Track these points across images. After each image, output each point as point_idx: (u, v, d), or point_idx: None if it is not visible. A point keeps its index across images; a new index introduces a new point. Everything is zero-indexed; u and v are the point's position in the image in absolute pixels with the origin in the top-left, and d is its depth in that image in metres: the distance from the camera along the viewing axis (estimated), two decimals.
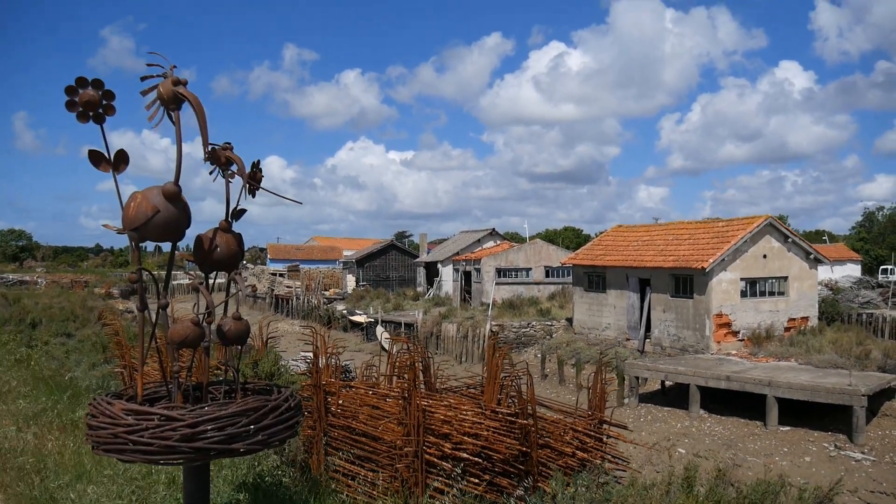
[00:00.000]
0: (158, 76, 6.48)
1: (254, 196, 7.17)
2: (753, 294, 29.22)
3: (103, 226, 7.21)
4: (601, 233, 39.57)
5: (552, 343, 34.86)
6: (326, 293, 62.91)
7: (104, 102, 6.77)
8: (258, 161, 7.31)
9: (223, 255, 6.56)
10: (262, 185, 7.20)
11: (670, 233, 33.13)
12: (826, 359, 24.69)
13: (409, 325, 44.02)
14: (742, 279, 28.84)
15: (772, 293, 29.67)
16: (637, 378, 25.83)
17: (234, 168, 7.04)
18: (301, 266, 79.40)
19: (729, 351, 27.97)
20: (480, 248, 55.43)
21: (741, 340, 28.53)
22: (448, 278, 54.84)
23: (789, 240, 29.81)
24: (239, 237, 6.79)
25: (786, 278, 29.76)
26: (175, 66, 6.42)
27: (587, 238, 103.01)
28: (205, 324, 6.02)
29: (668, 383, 26.33)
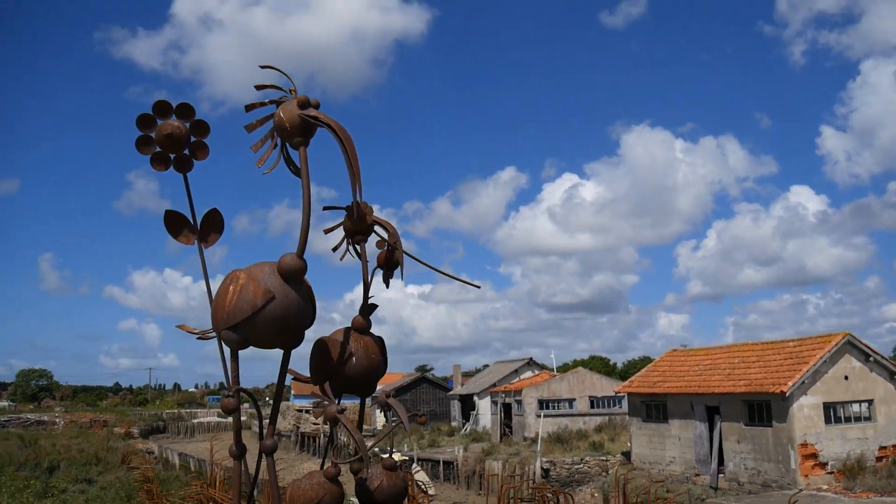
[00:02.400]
0: (271, 102, 4.84)
1: (388, 285, 5.41)
2: (838, 420, 26.52)
3: (178, 327, 5.34)
4: (630, 361, 37.10)
5: (611, 480, 31.77)
6: None
7: (193, 140, 5.08)
8: (396, 236, 5.57)
9: (362, 367, 4.64)
10: (434, 267, 5.43)
11: (735, 355, 30.81)
12: None
13: (447, 463, 40.95)
14: (824, 403, 26.24)
15: (857, 419, 26.93)
16: None
17: (385, 235, 5.27)
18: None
19: (819, 486, 24.99)
20: (518, 378, 52.83)
21: (830, 473, 25.58)
22: (486, 411, 51.95)
23: (871, 359, 27.41)
24: (381, 343, 4.93)
25: (871, 401, 27.11)
26: (294, 90, 4.81)
27: (614, 367, 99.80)
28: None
29: None
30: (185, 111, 4.91)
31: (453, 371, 62.82)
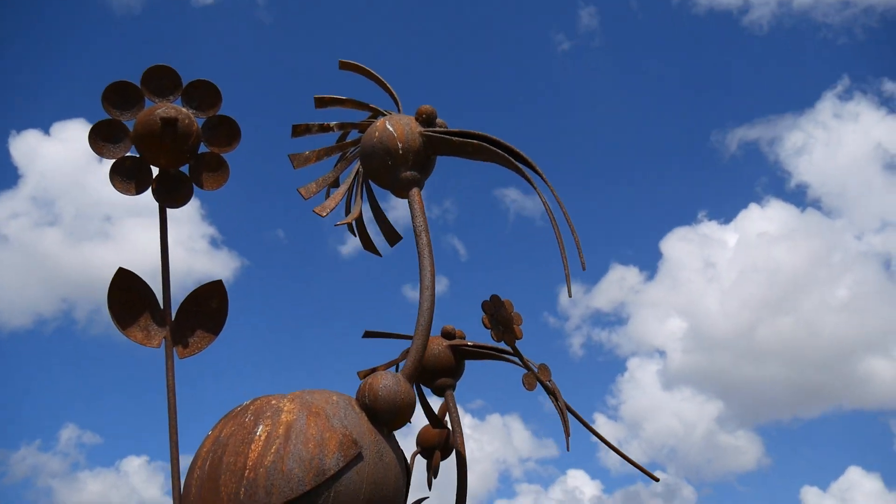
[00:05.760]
0: (342, 126, 3.12)
1: (430, 485, 3.56)
2: None
3: None
4: None
5: None
6: None
7: (203, 149, 2.96)
8: (553, 386, 3.75)
9: None
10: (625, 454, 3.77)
11: None
12: None
13: None
14: None
15: None
16: None
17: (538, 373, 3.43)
18: None
19: None
20: None
21: None
22: None
23: None
24: None
25: None
26: (393, 114, 3.21)
27: None
28: None
29: None
30: (202, 93, 2.89)
31: None
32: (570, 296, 3.02)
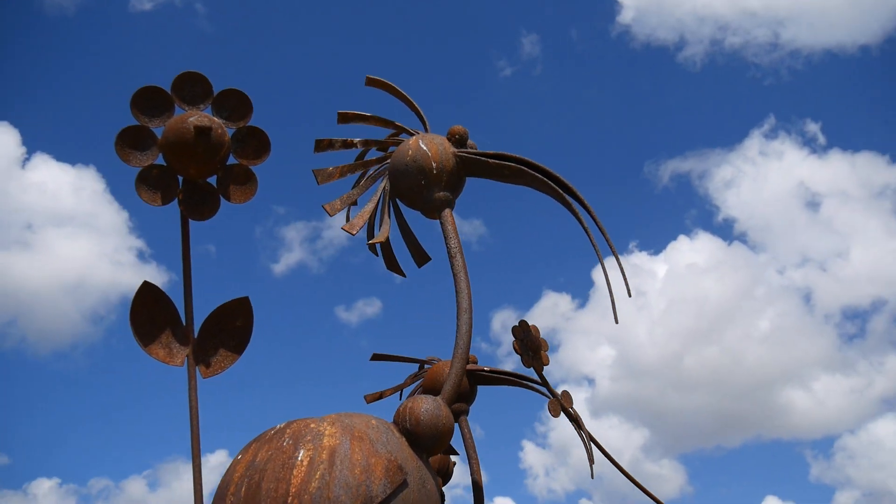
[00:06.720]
0: (365, 143, 3.03)
1: None
2: None
3: None
4: None
5: None
6: None
7: (232, 161, 2.90)
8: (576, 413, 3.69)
9: None
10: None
11: None
12: None
13: None
14: None
15: None
16: None
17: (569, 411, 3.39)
18: None
19: None
20: None
21: None
22: None
23: None
24: None
25: None
26: (421, 133, 3.13)
27: None
28: None
29: None
30: (234, 103, 2.84)
31: None
32: (616, 322, 3.03)
